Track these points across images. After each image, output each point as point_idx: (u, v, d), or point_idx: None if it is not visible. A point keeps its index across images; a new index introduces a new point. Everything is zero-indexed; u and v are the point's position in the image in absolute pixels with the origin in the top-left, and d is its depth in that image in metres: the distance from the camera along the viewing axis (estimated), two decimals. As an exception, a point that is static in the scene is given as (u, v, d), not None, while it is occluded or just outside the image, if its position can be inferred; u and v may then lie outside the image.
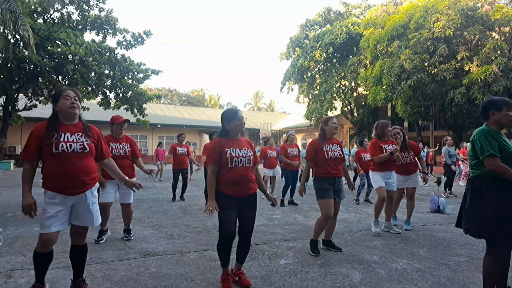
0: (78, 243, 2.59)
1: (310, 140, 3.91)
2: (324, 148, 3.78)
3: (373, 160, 4.75)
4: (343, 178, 3.94)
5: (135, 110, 16.01)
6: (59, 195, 2.39)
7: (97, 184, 2.63)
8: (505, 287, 2.57)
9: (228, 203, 2.73)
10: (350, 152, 11.99)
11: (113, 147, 4.12)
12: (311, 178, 4.05)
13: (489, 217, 2.35)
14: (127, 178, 2.79)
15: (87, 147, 2.47)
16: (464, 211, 2.52)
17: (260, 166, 8.39)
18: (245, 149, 2.84)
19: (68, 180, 2.38)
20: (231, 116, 2.87)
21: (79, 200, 2.46)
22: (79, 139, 2.46)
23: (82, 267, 2.65)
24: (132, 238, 4.23)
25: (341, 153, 3.87)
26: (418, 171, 5.10)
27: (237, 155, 2.76)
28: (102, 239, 4.08)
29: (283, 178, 7.50)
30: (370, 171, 4.90)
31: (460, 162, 10.88)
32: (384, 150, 4.63)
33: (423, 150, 11.61)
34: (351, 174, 10.80)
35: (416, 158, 5.09)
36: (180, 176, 7.63)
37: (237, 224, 2.84)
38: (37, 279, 2.48)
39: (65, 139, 2.40)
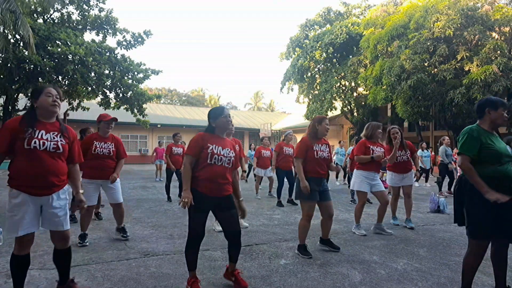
0: (62, 247, 2.51)
1: (301, 137, 3.84)
2: (315, 147, 3.71)
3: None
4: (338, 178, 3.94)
5: (135, 110, 16.00)
6: (23, 194, 2.27)
7: (66, 188, 2.51)
8: (504, 287, 2.58)
9: (202, 203, 2.67)
10: (347, 152, 11.99)
11: (97, 146, 4.01)
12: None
13: (469, 215, 2.42)
14: (80, 192, 2.57)
15: (60, 147, 2.39)
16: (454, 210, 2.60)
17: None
18: (227, 149, 2.79)
19: (36, 179, 2.28)
20: (218, 113, 2.83)
21: (46, 202, 2.36)
22: (54, 138, 2.38)
23: (67, 270, 2.59)
24: (129, 236, 4.19)
25: (329, 154, 3.84)
26: (412, 170, 5.26)
27: (218, 152, 2.72)
28: (86, 242, 3.91)
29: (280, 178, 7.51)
30: (355, 170, 4.81)
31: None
32: (371, 151, 4.61)
33: (427, 150, 11.61)
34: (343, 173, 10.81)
35: (411, 157, 5.26)
36: (176, 176, 7.61)
37: (220, 228, 2.80)
38: None
39: (39, 136, 2.32)
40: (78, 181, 2.62)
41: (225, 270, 2.97)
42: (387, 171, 5.41)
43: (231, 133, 4.63)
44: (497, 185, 2.36)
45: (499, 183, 2.37)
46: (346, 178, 10.81)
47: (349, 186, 9.79)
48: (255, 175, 8.30)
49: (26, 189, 2.28)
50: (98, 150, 4.00)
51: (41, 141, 2.31)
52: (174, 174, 7.58)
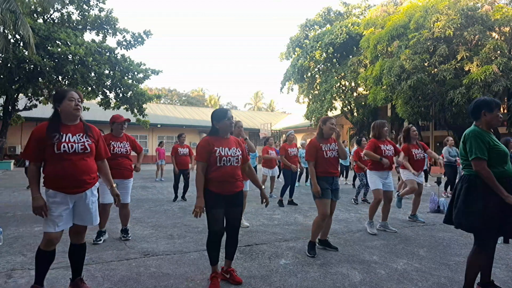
0: (77, 242, 2.63)
1: (309, 140, 3.98)
2: (323, 147, 3.79)
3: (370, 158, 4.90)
4: (340, 178, 3.99)
5: (135, 110, 16.00)
6: (60, 194, 2.42)
7: (97, 184, 2.66)
8: (489, 281, 2.60)
9: (217, 201, 2.79)
10: (350, 152, 12.01)
11: (115, 146, 4.15)
12: (305, 178, 4.07)
13: (480, 213, 2.40)
14: (114, 185, 2.82)
15: (88, 147, 2.52)
16: (456, 207, 2.54)
17: (259, 166, 8.43)
18: (234, 148, 2.90)
19: (69, 180, 2.42)
20: (221, 116, 2.91)
21: (79, 199, 2.50)
22: (80, 139, 2.50)
23: (80, 266, 2.68)
24: (130, 238, 4.23)
25: (338, 152, 3.90)
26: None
27: (225, 154, 2.82)
28: (100, 240, 4.06)
29: (279, 178, 7.48)
30: (368, 171, 5.00)
31: (460, 162, 10.85)
32: (383, 151, 4.74)
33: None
34: (351, 173, 10.77)
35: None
36: (182, 177, 7.64)
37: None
38: (36, 281, 2.48)
39: (67, 140, 2.44)
40: (109, 175, 2.80)
41: (220, 272, 2.99)
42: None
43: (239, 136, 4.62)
44: (505, 187, 2.36)
45: (506, 184, 2.36)
46: (348, 178, 10.80)
47: (353, 185, 9.81)
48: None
49: (61, 189, 2.42)
50: (116, 149, 4.14)
51: (69, 144, 2.43)
52: (181, 174, 7.62)
